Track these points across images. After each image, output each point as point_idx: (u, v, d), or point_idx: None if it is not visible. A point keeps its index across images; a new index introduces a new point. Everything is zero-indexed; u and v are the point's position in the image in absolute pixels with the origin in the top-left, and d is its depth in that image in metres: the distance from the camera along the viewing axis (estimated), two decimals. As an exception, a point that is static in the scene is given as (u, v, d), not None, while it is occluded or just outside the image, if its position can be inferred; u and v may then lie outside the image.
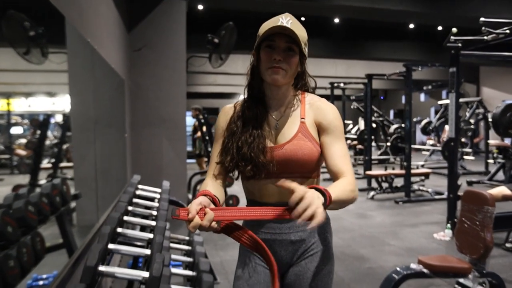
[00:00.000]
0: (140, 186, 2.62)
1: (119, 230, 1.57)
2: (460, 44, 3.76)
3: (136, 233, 1.66)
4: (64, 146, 3.94)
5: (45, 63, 2.52)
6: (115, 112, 3.85)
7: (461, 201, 2.63)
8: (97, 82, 3.06)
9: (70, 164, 3.41)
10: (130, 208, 2.04)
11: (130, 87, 4.60)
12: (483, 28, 3.39)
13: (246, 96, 1.23)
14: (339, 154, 1.13)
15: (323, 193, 0.94)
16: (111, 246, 1.38)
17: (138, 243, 1.94)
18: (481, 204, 2.47)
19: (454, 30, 3.60)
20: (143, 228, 2.22)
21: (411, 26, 8.60)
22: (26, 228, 1.85)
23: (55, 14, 1.90)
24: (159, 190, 2.67)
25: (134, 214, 2.20)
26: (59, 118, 3.50)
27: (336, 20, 8.17)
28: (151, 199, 2.51)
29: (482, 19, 3.26)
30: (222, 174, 1.19)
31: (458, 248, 2.58)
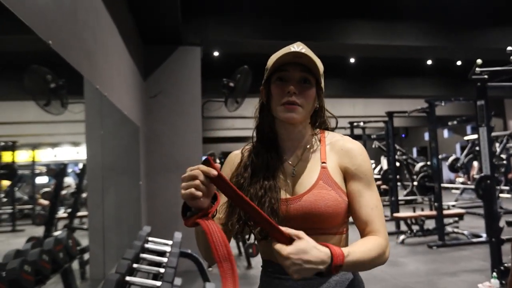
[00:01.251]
0: (150, 239, 2.43)
1: (118, 295, 1.37)
2: (486, 76, 3.57)
3: (137, 298, 1.45)
4: (84, 195, 3.81)
5: (64, 113, 2.47)
6: (129, 159, 3.77)
7: (511, 248, 2.31)
8: (109, 130, 3.00)
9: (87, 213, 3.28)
10: (135, 265, 1.84)
11: (145, 133, 4.56)
12: (511, 57, 3.21)
13: (254, 140, 1.03)
14: (371, 206, 0.92)
15: (331, 257, 0.79)
16: (104, 318, 1.18)
17: (144, 307, 1.72)
18: (536, 251, 2.14)
19: (479, 61, 3.43)
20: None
21: (429, 62, 8.49)
22: (20, 292, 1.67)
23: (68, 65, 1.86)
24: (171, 242, 2.47)
25: (142, 272, 2.00)
26: (80, 167, 3.42)
27: (352, 60, 8.16)
28: (162, 253, 2.31)
29: (509, 48, 3.08)
30: (224, 232, 0.98)
31: (514, 304, 2.22)
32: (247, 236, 0.97)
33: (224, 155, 7.07)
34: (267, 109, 0.99)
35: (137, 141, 4.02)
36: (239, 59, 6.80)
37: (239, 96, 5.28)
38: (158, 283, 1.61)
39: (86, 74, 2.06)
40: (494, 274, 3.71)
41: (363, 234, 0.94)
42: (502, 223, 3.98)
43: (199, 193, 0.76)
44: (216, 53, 6.80)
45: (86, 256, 3.08)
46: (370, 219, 0.92)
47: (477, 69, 3.46)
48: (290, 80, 0.95)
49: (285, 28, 5.29)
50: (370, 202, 0.93)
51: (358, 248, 0.87)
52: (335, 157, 0.98)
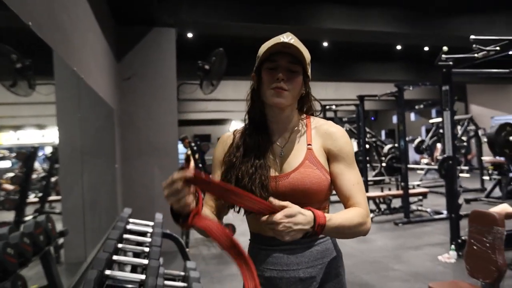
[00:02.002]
0: (131, 220, 2.47)
1: (108, 272, 1.43)
2: (451, 63, 3.77)
3: (127, 275, 1.51)
4: (53, 179, 3.77)
5: (32, 95, 2.41)
6: (104, 142, 3.74)
7: (468, 222, 2.53)
8: (86, 112, 2.96)
9: (59, 197, 3.24)
10: (120, 245, 1.89)
11: (120, 116, 4.50)
12: (474, 45, 3.41)
13: (246, 123, 1.12)
14: (352, 183, 1.04)
15: (314, 218, 0.91)
16: (98, 293, 1.24)
17: (129, 286, 1.79)
18: (489, 224, 2.37)
19: (445, 48, 3.61)
20: (135, 268, 2.06)
21: (399, 47, 8.75)
22: (4, 274, 1.70)
23: (42, 46, 1.82)
24: (151, 223, 2.53)
25: (125, 252, 2.05)
26: (48, 150, 3.35)
27: (325, 44, 8.28)
28: (143, 234, 2.36)
29: (472, 36, 3.28)
30: (218, 208, 1.08)
31: (469, 272, 2.45)
32: (236, 210, 1.05)
33: (200, 137, 7.08)
34: (258, 94, 1.07)
35: (112, 124, 3.98)
36: (213, 41, 6.75)
37: (214, 79, 5.28)
38: (145, 261, 1.68)
39: (63, 56, 2.04)
40: (453, 246, 4.03)
41: (346, 207, 1.04)
42: (461, 201, 4.29)
43: (189, 201, 0.87)
44: (190, 35, 6.71)
45: (60, 240, 3.08)
46: (352, 194, 1.03)
47: (443, 56, 3.66)
48: (279, 68, 1.03)
49: (260, 12, 5.29)
50: (352, 179, 1.04)
51: (339, 215, 0.98)
52: (319, 140, 1.07)
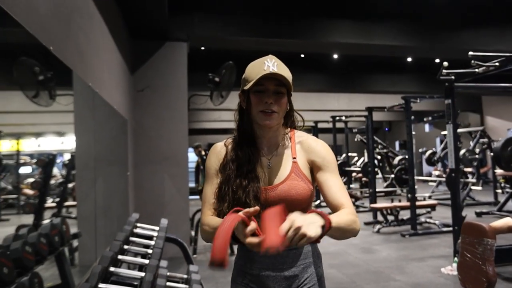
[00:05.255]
0: (138, 224, 2.64)
1: (112, 269, 1.58)
2: (453, 77, 3.85)
3: (129, 272, 1.67)
4: (70, 185, 3.99)
5: (52, 105, 2.63)
6: (117, 151, 3.95)
7: (461, 233, 2.60)
8: (100, 123, 3.17)
9: (75, 203, 3.44)
10: (126, 246, 2.05)
11: (133, 126, 4.73)
12: (472, 61, 3.49)
13: (236, 137, 1.24)
14: (337, 188, 1.14)
15: (322, 217, 0.94)
16: (101, 285, 1.39)
17: (135, 283, 1.94)
18: (480, 236, 2.44)
19: (445, 64, 3.70)
20: (141, 267, 2.21)
21: (409, 59, 8.80)
22: (23, 269, 1.87)
23: (63, 66, 2.01)
24: (158, 228, 2.69)
25: (131, 253, 2.21)
26: (66, 157, 3.56)
27: (335, 56, 8.41)
28: (149, 238, 2.52)
29: (470, 53, 3.36)
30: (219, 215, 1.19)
31: (461, 282, 2.52)
32: None
33: (211, 146, 7.26)
34: (247, 113, 1.20)
35: (125, 134, 4.19)
36: (224, 53, 6.97)
37: (224, 90, 5.47)
38: (146, 261, 1.83)
39: (80, 73, 2.24)
40: (455, 259, 4.04)
41: (334, 209, 1.12)
42: (467, 213, 4.30)
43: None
44: (201, 48, 6.96)
45: (75, 243, 3.27)
46: (339, 197, 1.12)
47: (444, 70, 3.74)
48: (266, 91, 1.15)
49: (269, 27, 5.48)
50: (337, 185, 1.15)
51: (337, 215, 1.06)
52: (303, 154, 1.20)
